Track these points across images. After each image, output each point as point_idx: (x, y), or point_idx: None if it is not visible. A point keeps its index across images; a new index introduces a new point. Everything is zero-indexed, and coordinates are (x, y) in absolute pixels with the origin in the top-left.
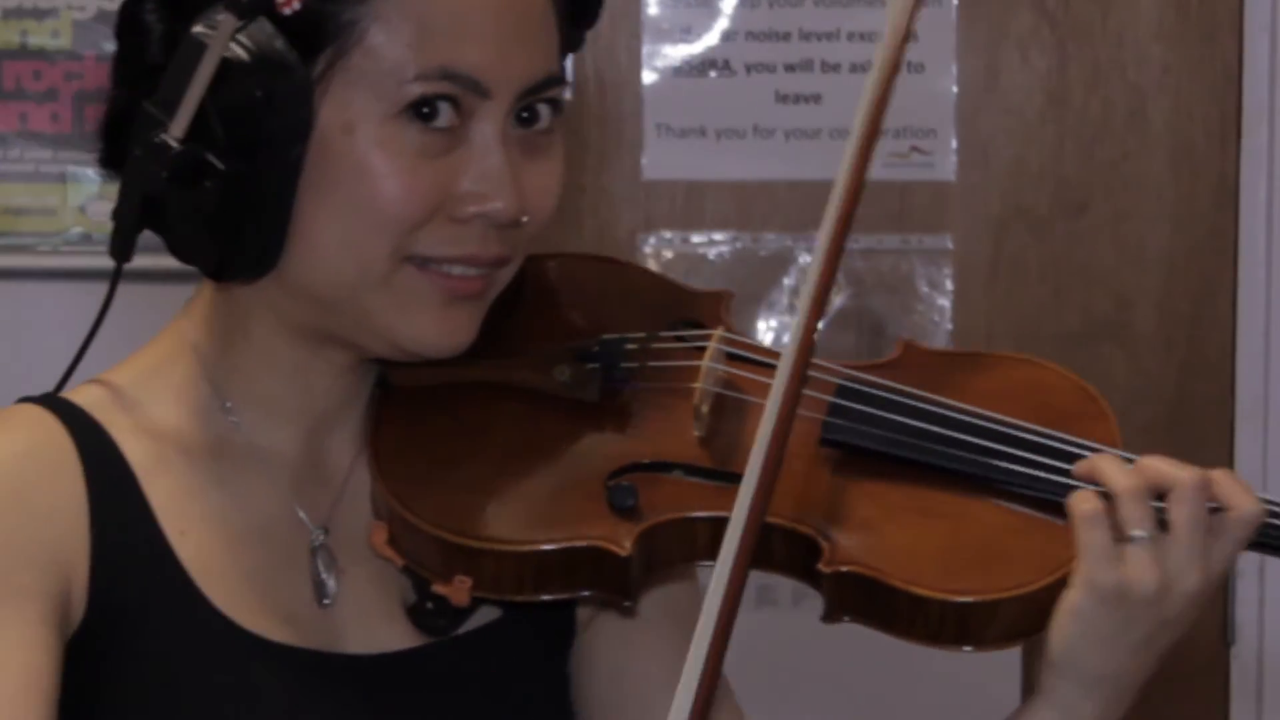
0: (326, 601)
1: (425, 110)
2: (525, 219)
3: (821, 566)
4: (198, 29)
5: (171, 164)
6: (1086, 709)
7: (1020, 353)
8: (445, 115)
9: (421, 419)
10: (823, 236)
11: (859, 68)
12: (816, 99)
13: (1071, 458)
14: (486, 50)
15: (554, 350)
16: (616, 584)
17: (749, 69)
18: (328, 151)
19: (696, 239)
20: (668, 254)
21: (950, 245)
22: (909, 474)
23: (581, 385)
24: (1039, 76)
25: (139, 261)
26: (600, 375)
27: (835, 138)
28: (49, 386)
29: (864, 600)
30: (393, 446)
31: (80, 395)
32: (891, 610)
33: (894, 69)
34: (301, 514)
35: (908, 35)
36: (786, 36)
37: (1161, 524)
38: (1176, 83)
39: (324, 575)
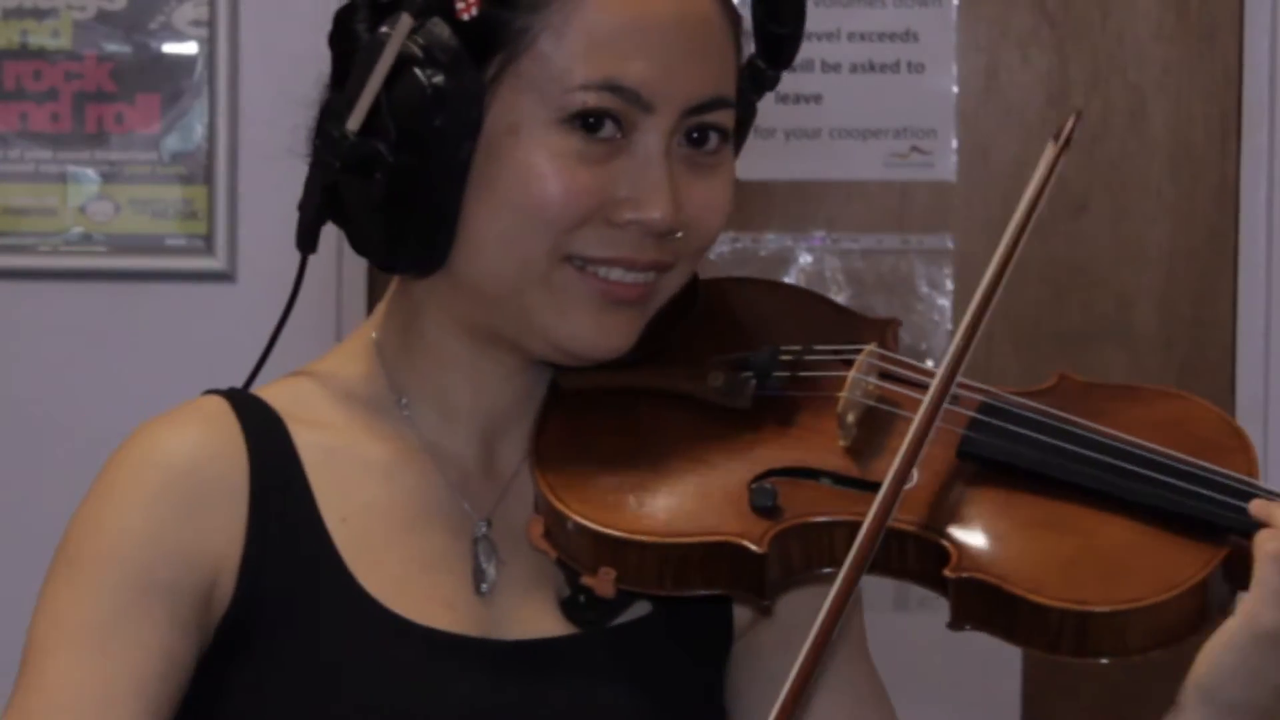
0: (484, 589)
1: (590, 121)
2: (680, 233)
3: (947, 572)
4: (382, 29)
5: (344, 154)
6: None
7: (1170, 387)
8: (609, 128)
9: (583, 420)
10: (995, 261)
11: (859, 68)
12: (816, 99)
13: (1210, 484)
14: (653, 66)
15: (712, 360)
16: (753, 583)
17: None
18: (494, 152)
19: None
20: None
21: (950, 245)
22: (1043, 489)
23: (734, 393)
24: (1039, 76)
25: (141, 262)
26: (752, 384)
27: (835, 137)
28: (47, 386)
29: (987, 608)
30: (552, 443)
31: (270, 388)
32: (1013, 618)
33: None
34: (467, 507)
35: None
36: None
37: None
38: (1176, 83)
39: (484, 564)
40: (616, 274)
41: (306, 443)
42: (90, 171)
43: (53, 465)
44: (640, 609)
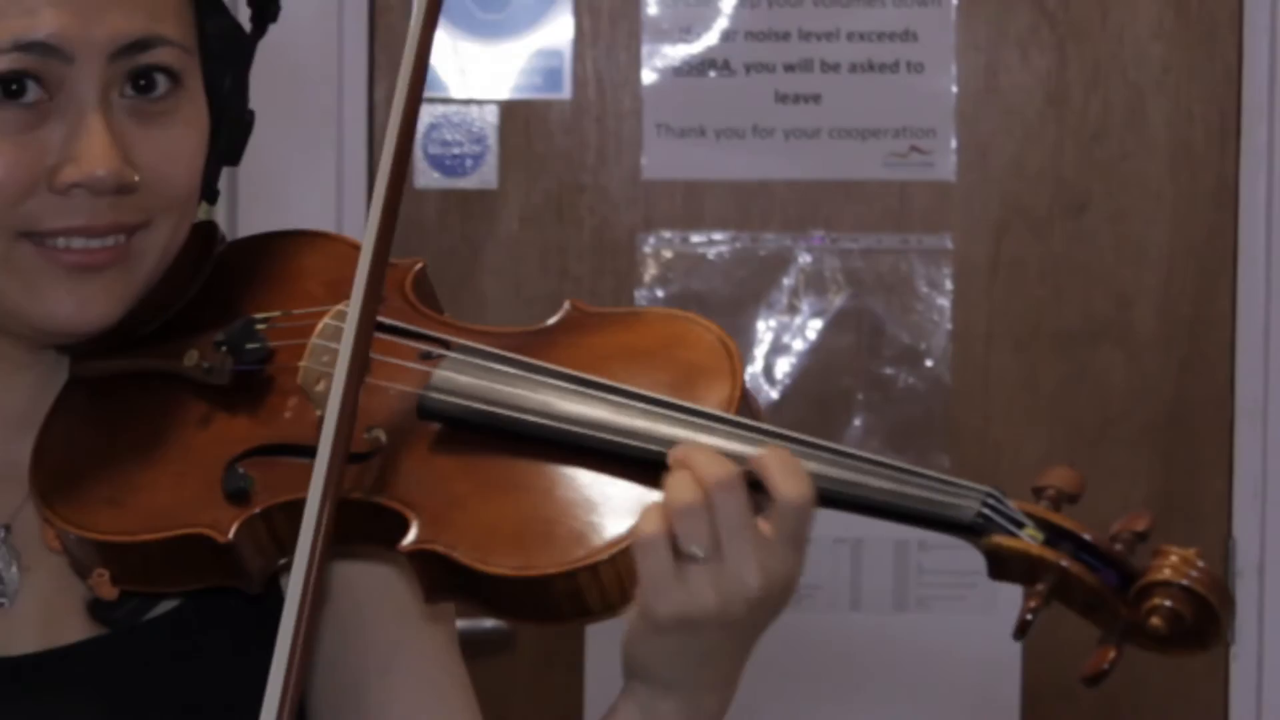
0: (3, 601)
1: (11, 88)
2: (136, 180)
3: (401, 546)
4: None
5: None
6: (665, 707)
7: (676, 311)
8: (32, 91)
9: (83, 412)
10: (379, 181)
11: (859, 68)
12: (816, 99)
13: (672, 423)
14: (62, 13)
15: (195, 335)
16: (234, 573)
17: (748, 69)
18: None
19: (696, 239)
20: (667, 254)
21: (950, 245)
22: (508, 446)
23: (211, 369)
24: (1039, 76)
25: None
26: (229, 358)
27: (835, 137)
28: None
29: (449, 580)
30: (49, 440)
31: None
32: (475, 589)
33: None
34: None
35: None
36: (786, 36)
37: (716, 534)
38: (1176, 83)
39: (2, 575)
40: (79, 243)
41: None
42: None
43: None
44: (171, 602)
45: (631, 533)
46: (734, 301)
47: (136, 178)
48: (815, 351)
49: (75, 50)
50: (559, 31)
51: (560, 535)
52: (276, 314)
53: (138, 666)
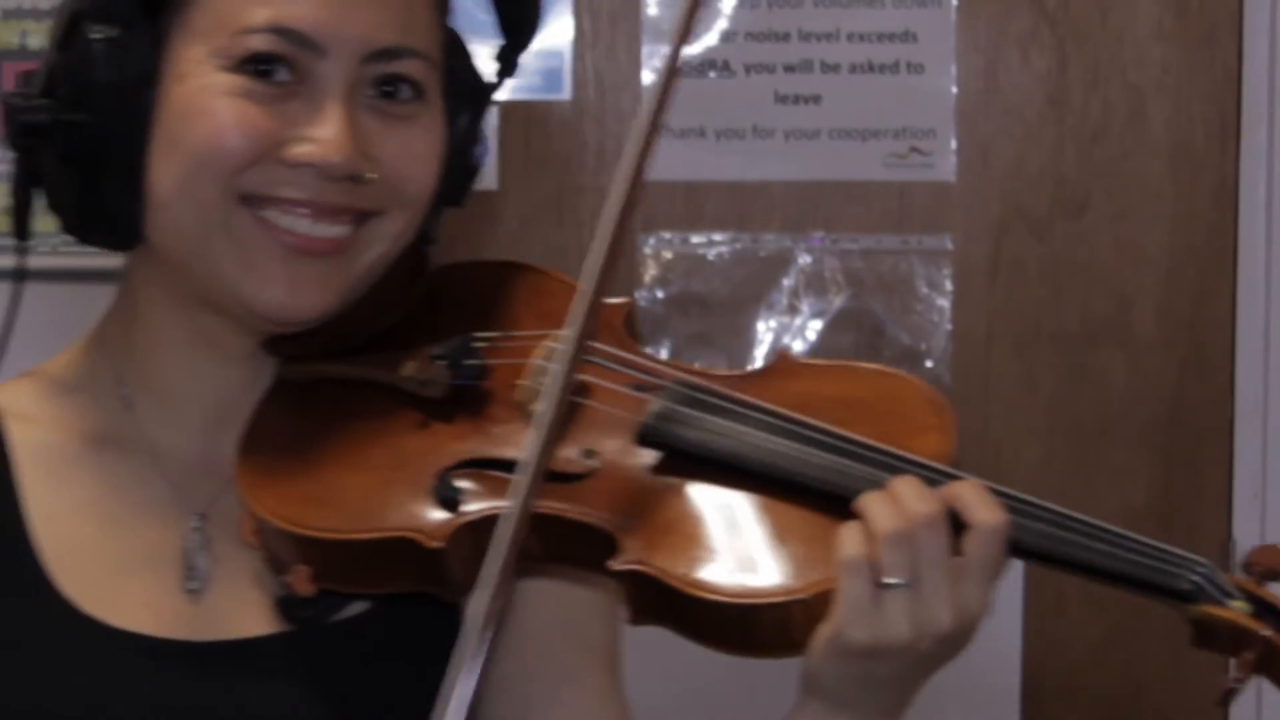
0: (194, 586)
1: (261, 67)
2: (371, 176)
3: (611, 564)
4: None
5: (14, 120)
6: None
7: (885, 367)
8: (281, 73)
9: (289, 413)
10: (603, 225)
11: (859, 68)
12: (816, 99)
13: (884, 468)
14: (321, 8)
15: (412, 349)
16: (435, 578)
17: (748, 69)
18: (169, 105)
19: (696, 239)
20: (667, 254)
21: (950, 245)
22: (722, 478)
23: (428, 382)
24: (1039, 77)
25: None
26: (446, 372)
27: (835, 138)
28: None
29: (657, 602)
30: (255, 438)
31: (2, 386)
32: (682, 613)
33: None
34: (181, 502)
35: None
36: (786, 37)
37: (915, 565)
38: (1176, 83)
39: (195, 561)
40: (304, 226)
41: (20, 439)
42: None
43: None
44: (360, 605)
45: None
46: (734, 302)
47: (372, 174)
48: (815, 352)
49: (329, 45)
50: (559, 32)
51: (772, 567)
52: (495, 334)
53: (325, 665)
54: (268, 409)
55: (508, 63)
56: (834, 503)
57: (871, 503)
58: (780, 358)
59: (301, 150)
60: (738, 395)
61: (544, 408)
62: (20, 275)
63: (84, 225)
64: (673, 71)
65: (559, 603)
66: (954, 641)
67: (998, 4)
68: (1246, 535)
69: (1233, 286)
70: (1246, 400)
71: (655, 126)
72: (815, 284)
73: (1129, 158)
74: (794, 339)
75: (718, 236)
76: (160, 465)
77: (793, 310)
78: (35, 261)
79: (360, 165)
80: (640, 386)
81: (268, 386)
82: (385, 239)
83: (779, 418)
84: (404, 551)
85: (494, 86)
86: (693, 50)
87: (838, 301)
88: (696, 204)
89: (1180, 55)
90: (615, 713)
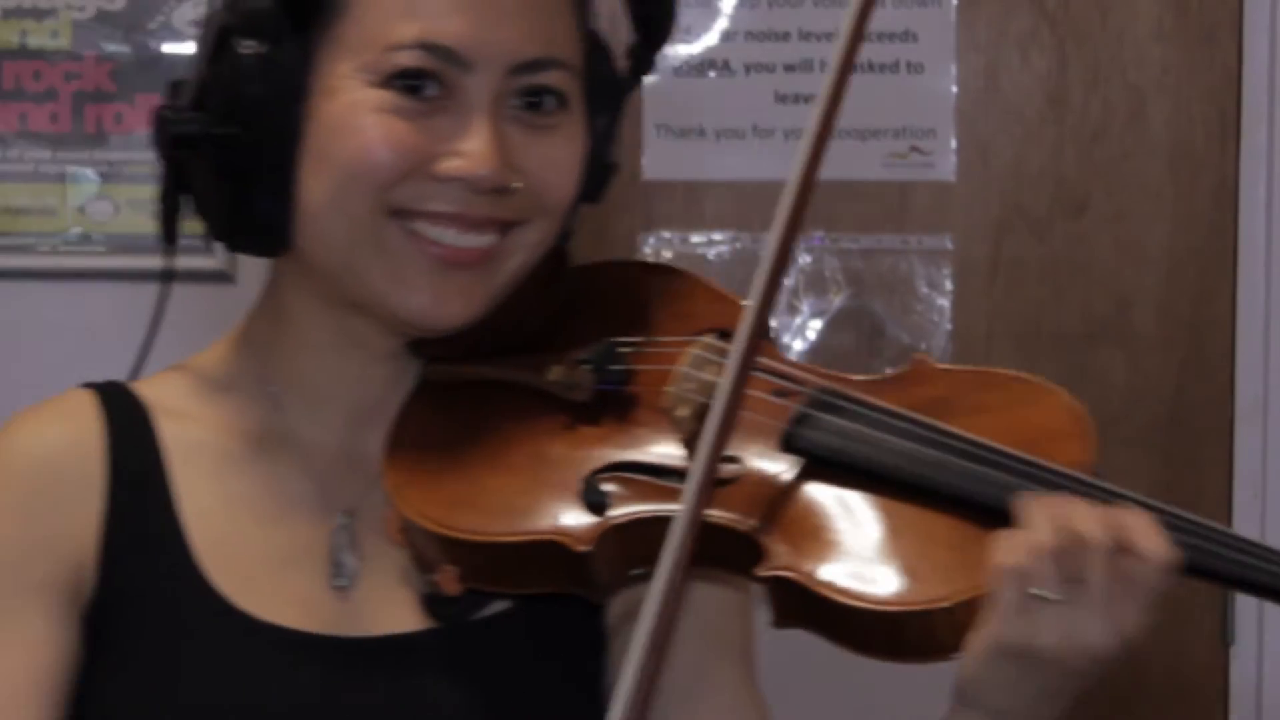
0: (342, 583)
1: (410, 82)
2: (518, 186)
3: (757, 570)
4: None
5: (168, 133)
6: None
7: (1022, 374)
8: (430, 88)
9: (438, 412)
10: (773, 236)
11: (858, 68)
12: (816, 99)
13: (1027, 477)
14: (469, 23)
15: (557, 352)
16: (582, 580)
17: (748, 69)
18: (319, 119)
19: (696, 239)
20: (667, 254)
21: (950, 245)
22: (866, 485)
23: (574, 385)
24: (1039, 76)
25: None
26: (592, 376)
27: (835, 137)
28: (47, 386)
29: (802, 607)
30: (404, 437)
31: (148, 381)
32: (827, 618)
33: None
34: (328, 499)
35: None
36: (786, 36)
37: (1076, 581)
38: (1176, 83)
39: (342, 558)
40: (450, 237)
41: (172, 435)
42: (90, 171)
43: None
44: (503, 604)
45: (988, 579)
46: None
47: (518, 184)
48: (815, 351)
49: (476, 60)
50: None
51: (919, 574)
52: (639, 339)
53: (474, 662)
54: (413, 409)
55: (644, 60)
56: (974, 510)
57: (1036, 514)
58: (916, 362)
59: (451, 165)
60: (877, 402)
61: (714, 417)
62: (168, 276)
63: (233, 233)
64: (847, 68)
65: (698, 602)
66: (1107, 660)
67: (998, 4)
68: (1246, 535)
69: (1233, 286)
70: (1246, 400)
71: (826, 130)
72: (815, 283)
73: (1129, 158)
74: (794, 338)
75: (717, 236)
76: (307, 463)
77: (793, 310)
78: (35, 261)
79: (507, 178)
80: (780, 392)
81: (412, 387)
82: (528, 247)
83: (919, 425)
84: (551, 554)
85: (631, 84)
86: (693, 50)
87: (838, 301)
88: (696, 204)
89: (1180, 55)
90: (753, 709)
